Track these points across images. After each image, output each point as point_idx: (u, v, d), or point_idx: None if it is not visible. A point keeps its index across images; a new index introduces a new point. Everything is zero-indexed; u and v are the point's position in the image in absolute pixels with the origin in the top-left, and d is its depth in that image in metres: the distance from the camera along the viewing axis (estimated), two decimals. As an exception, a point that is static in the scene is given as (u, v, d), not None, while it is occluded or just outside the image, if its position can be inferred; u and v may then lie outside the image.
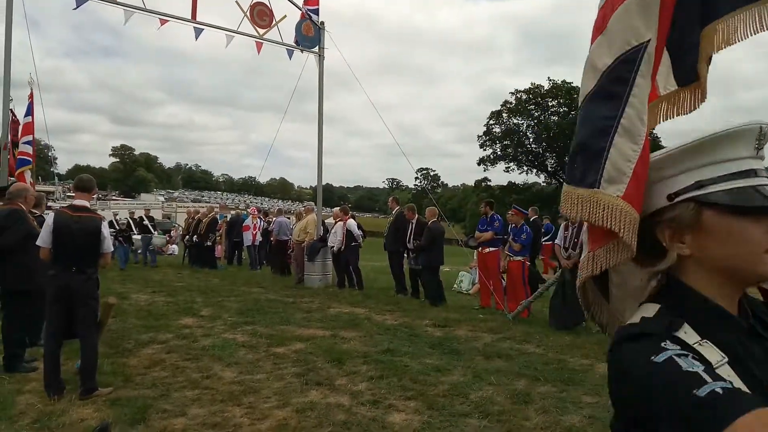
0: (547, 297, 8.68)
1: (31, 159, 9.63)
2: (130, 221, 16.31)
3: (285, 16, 12.49)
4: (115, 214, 21.11)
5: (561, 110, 54.37)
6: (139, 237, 16.23)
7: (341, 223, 11.83)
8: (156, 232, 16.71)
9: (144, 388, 5.08)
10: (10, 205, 5.93)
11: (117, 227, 15.97)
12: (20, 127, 9.49)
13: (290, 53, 12.65)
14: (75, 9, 9.68)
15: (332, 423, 4.27)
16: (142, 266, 15.86)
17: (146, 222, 16.44)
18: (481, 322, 8.31)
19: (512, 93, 54.98)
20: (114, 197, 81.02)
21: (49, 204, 11.49)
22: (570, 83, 52.89)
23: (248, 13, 11.89)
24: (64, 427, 4.13)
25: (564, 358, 6.33)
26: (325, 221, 13.05)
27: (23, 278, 5.64)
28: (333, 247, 11.80)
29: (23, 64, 10.30)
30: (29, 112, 9.52)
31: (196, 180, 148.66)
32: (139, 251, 16.73)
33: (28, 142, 9.51)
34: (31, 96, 9.56)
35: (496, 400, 4.83)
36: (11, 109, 9.46)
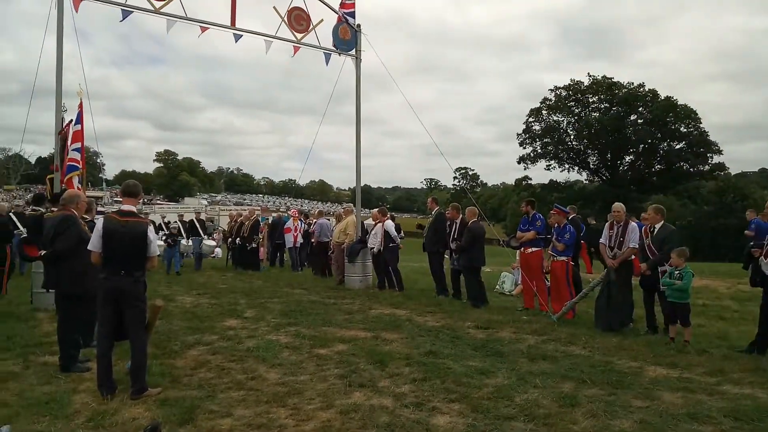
0: (593, 298, 8.49)
1: (79, 165, 9.92)
2: (180, 225, 16.30)
3: (322, 20, 12.59)
4: (163, 217, 21.56)
5: (602, 106, 53.25)
6: (188, 242, 16.08)
7: (380, 224, 11.84)
8: (206, 237, 16.67)
9: (191, 388, 5.18)
10: (63, 211, 6.15)
11: (167, 230, 16.00)
12: (70, 135, 9.79)
13: (327, 57, 12.74)
14: (121, 21, 10.00)
15: (376, 425, 4.27)
16: (193, 270, 15.98)
17: (197, 225, 16.38)
18: (524, 324, 8.18)
19: (551, 90, 54.20)
20: (159, 201, 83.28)
21: (98, 209, 11.88)
22: (610, 78, 51.76)
23: (286, 18, 12.02)
24: (116, 426, 4.25)
25: (611, 360, 6.17)
26: (365, 222, 13.07)
27: (76, 282, 5.83)
28: (373, 248, 11.83)
29: (74, 74, 10.69)
30: (78, 120, 9.82)
31: (237, 183, 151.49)
32: (185, 255, 16.72)
33: (77, 149, 9.81)
34: (80, 105, 9.87)
35: (541, 403, 4.74)
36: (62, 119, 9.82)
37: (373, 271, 12.39)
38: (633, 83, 51.57)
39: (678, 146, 50.77)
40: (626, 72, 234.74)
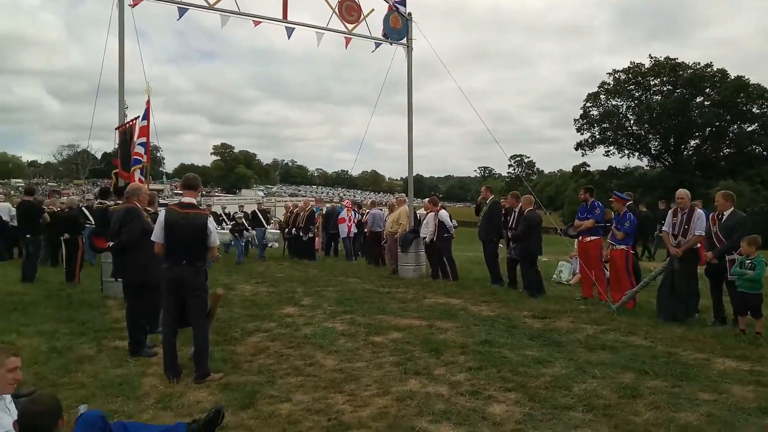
0: (655, 287, 8.22)
1: (143, 159, 10.29)
2: (243, 216, 16.54)
3: (372, 9, 12.57)
4: (224, 208, 22.11)
5: (664, 89, 51.11)
6: (252, 232, 16.41)
7: (432, 213, 11.80)
8: (268, 227, 16.91)
9: (251, 374, 5.34)
10: (127, 204, 6.43)
11: (233, 219, 16.43)
12: (136, 130, 10.18)
13: (376, 45, 12.73)
14: (178, 20, 10.33)
15: (432, 412, 4.29)
16: (253, 260, 16.27)
17: (260, 216, 16.64)
18: (582, 314, 8.01)
19: (610, 73, 52.40)
20: (217, 194, 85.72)
21: (160, 201, 12.32)
22: (674, 59, 49.59)
23: (336, 9, 12.08)
24: (183, 408, 4.43)
25: (675, 352, 5.97)
26: (417, 212, 13.05)
27: (139, 272, 6.10)
28: (425, 237, 11.81)
29: (134, 73, 11.10)
30: (145, 116, 10.19)
31: (292, 175, 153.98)
32: (252, 244, 17.14)
33: (142, 144, 10.18)
34: (147, 102, 10.25)
35: (601, 394, 4.65)
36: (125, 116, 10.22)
37: (427, 260, 12.39)
38: (699, 63, 49.24)
39: (750, 128, 48.18)
40: (690, 53, 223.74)
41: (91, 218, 12.30)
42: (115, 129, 10.21)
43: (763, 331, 6.67)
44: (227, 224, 17.20)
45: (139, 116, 10.17)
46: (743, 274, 6.66)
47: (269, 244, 17.13)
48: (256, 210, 17.20)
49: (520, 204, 10.47)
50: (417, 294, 9.89)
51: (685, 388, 4.77)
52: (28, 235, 10.80)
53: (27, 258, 11.03)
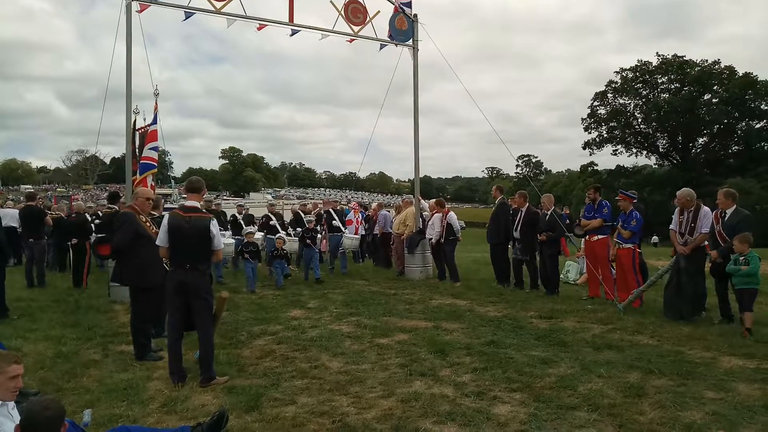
0: (661, 286, 8.16)
1: (155, 164, 10.36)
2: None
3: (378, 11, 12.61)
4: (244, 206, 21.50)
5: (672, 87, 50.85)
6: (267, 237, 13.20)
7: (439, 215, 11.79)
8: (346, 230, 13.89)
9: (256, 377, 5.35)
10: (126, 209, 6.48)
11: (293, 224, 13.92)
12: (146, 134, 10.24)
13: (382, 46, 12.75)
14: (184, 21, 10.39)
15: (437, 413, 4.28)
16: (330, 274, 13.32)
17: (273, 222, 13.42)
18: (589, 313, 7.98)
19: (617, 72, 52.25)
20: (225, 197, 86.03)
21: (167, 205, 12.36)
22: (682, 57, 49.34)
23: (343, 12, 12.11)
24: (187, 412, 4.44)
25: (681, 350, 5.93)
26: (423, 213, 13.04)
27: (136, 275, 6.08)
28: (431, 239, 11.80)
29: (143, 77, 11.16)
30: (155, 120, 10.25)
31: (300, 178, 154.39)
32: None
33: (153, 148, 10.24)
34: (156, 106, 10.31)
35: (606, 393, 4.62)
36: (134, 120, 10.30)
37: (433, 261, 12.38)
38: (707, 61, 48.95)
39: (758, 125, 47.82)
40: (699, 50, 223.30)
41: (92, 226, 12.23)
42: (136, 130, 10.29)
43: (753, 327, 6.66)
44: (291, 231, 13.55)
45: (150, 120, 10.27)
46: (738, 270, 6.70)
47: (346, 252, 14.39)
48: (331, 210, 14.03)
49: (527, 204, 10.45)
50: (423, 295, 9.89)
51: (690, 387, 4.74)
52: (30, 240, 10.90)
53: (32, 262, 11.12)
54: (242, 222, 13.74)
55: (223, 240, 10.40)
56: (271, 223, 13.41)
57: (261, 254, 12.73)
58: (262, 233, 13.44)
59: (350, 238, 13.72)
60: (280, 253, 11.62)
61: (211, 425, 3.78)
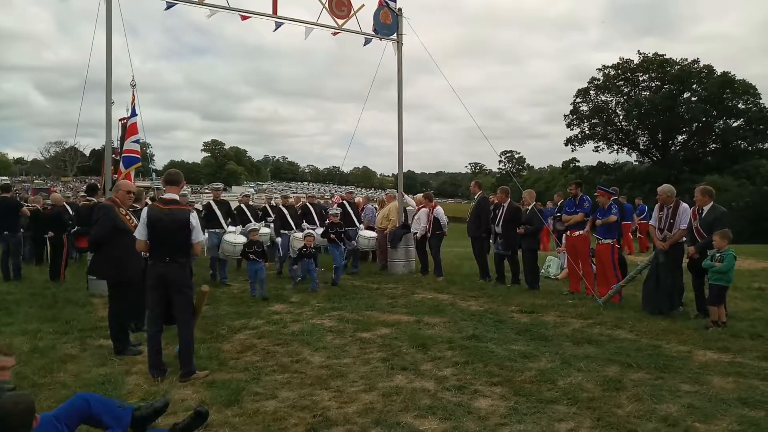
0: (640, 281, 8.27)
1: (138, 157, 10.17)
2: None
3: (363, 5, 12.52)
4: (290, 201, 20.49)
5: (653, 85, 51.35)
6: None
7: (425, 209, 11.80)
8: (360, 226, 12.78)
9: (237, 371, 5.32)
10: (106, 201, 6.38)
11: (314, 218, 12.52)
12: (127, 127, 10.07)
13: (367, 41, 12.70)
14: (165, 10, 10.22)
15: (418, 407, 4.30)
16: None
17: (350, 210, 12.52)
18: (570, 308, 8.06)
19: (599, 69, 52.52)
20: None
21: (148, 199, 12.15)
22: (662, 55, 49.81)
23: (327, 5, 12.02)
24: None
25: (659, 345, 6.03)
26: (406, 208, 13.02)
27: (112, 269, 6.01)
28: (416, 233, 11.80)
29: (125, 68, 10.94)
30: (134, 113, 10.08)
31: (283, 171, 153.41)
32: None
33: (135, 141, 10.07)
34: (133, 98, 10.14)
35: (585, 387, 4.68)
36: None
37: (416, 256, 12.39)
38: (686, 59, 49.51)
39: (735, 124, 48.48)
40: (680, 48, 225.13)
41: (71, 216, 12.04)
42: (119, 120, 10.14)
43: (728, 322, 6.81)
44: (308, 228, 11.71)
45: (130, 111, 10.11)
46: (712, 266, 6.82)
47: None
48: (345, 203, 13.01)
49: (509, 200, 10.51)
50: (406, 290, 9.90)
51: (667, 380, 4.82)
52: (6, 232, 10.70)
53: (7, 255, 10.92)
54: (250, 215, 11.84)
55: (234, 237, 10.11)
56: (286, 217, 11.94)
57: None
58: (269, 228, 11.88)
59: (367, 237, 12.11)
60: (309, 251, 10.16)
61: (188, 424, 3.74)
